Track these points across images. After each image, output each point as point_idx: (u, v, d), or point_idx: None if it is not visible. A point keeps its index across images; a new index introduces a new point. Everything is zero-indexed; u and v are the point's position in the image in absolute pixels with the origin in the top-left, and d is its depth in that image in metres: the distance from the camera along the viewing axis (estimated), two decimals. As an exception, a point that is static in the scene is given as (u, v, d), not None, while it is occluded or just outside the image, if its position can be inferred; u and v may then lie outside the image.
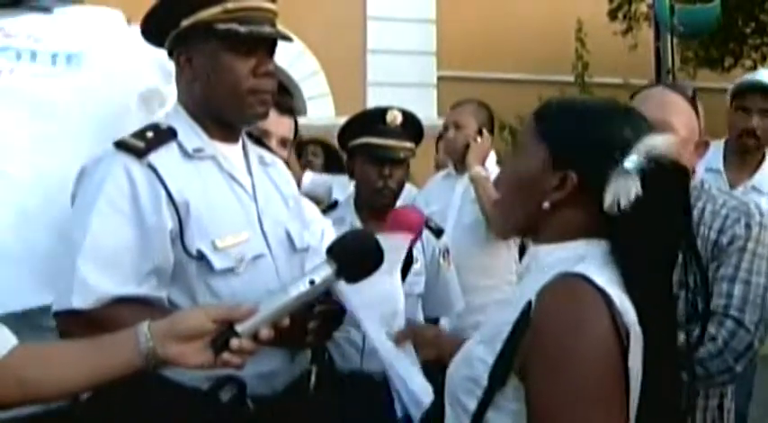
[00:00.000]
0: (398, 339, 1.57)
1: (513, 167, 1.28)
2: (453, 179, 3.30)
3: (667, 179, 1.14)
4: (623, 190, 1.11)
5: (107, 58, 1.94)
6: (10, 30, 1.88)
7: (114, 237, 1.51)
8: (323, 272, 1.31)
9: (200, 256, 1.56)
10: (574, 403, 1.05)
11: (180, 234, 1.55)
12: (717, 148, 3.13)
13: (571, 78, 9.93)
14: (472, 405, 1.15)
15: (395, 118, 2.46)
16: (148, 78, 1.97)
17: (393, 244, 1.61)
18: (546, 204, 1.18)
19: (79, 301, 1.47)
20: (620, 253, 1.15)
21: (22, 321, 1.59)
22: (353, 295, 1.51)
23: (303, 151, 4.43)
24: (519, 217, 1.25)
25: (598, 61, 9.70)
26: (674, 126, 1.85)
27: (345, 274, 1.33)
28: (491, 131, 3.28)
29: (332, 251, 1.34)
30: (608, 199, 1.12)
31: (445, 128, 3.31)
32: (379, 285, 1.55)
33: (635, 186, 1.11)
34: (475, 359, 1.16)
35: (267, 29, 1.65)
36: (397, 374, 1.52)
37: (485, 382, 1.13)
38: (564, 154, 1.18)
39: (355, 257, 1.35)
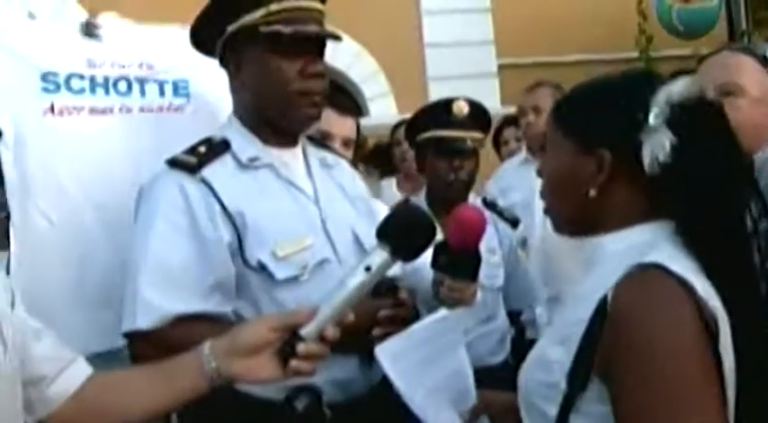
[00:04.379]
0: (473, 415, 1.48)
1: (548, 170, 1.24)
2: (532, 165, 3.20)
3: (698, 118, 1.09)
4: (657, 145, 1.06)
5: (208, 84, 1.96)
6: (124, 59, 1.93)
7: (173, 253, 1.51)
8: (377, 257, 1.25)
9: (261, 267, 1.53)
10: (667, 403, 0.98)
11: (239, 246, 1.53)
12: None
13: (635, 54, 9.63)
14: (552, 411, 1.08)
15: (461, 108, 2.41)
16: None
17: (451, 321, 1.56)
18: (592, 192, 1.13)
19: (144, 321, 1.47)
20: (683, 220, 1.07)
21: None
22: (418, 386, 1.45)
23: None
24: (571, 214, 1.20)
25: (663, 33, 9.36)
26: (744, 87, 1.78)
27: (401, 255, 1.27)
28: None
29: (382, 233, 1.28)
30: (646, 160, 1.07)
31: (523, 113, 3.21)
32: (447, 367, 1.51)
33: (667, 137, 1.06)
34: (550, 362, 1.11)
35: (312, 28, 1.62)
36: None
37: (563, 385, 1.07)
38: (590, 137, 1.14)
39: (407, 235, 1.28)
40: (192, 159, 1.58)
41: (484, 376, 1.64)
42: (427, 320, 1.55)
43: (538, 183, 3.31)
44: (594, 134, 1.14)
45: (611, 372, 1.02)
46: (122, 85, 1.92)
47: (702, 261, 1.05)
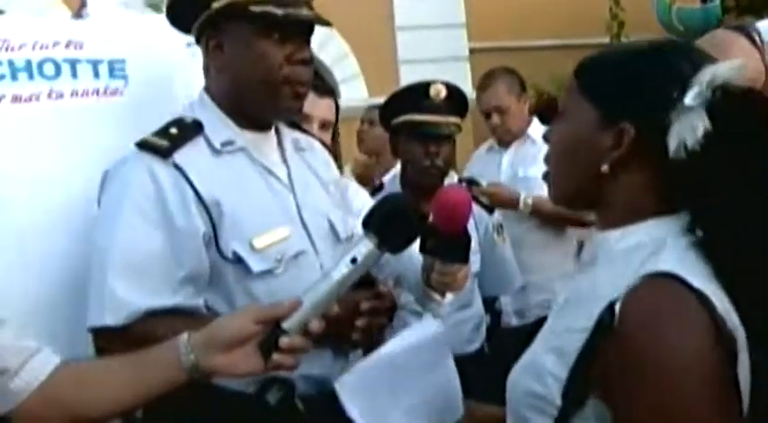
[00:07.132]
0: None
1: (560, 135, 1.10)
2: (497, 153, 3.20)
3: (739, 107, 0.96)
4: (688, 128, 0.95)
5: (151, 66, 1.82)
6: (47, 38, 1.75)
7: (143, 245, 1.43)
8: (363, 248, 1.20)
9: (237, 259, 1.47)
10: None
11: (214, 236, 1.46)
12: None
13: (607, 39, 9.65)
14: None
15: (438, 92, 2.37)
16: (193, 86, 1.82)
17: (433, 338, 1.51)
18: (605, 167, 1.02)
19: (112, 318, 1.40)
20: (701, 216, 0.97)
21: None
22: (387, 415, 1.41)
23: None
24: (576, 185, 1.08)
25: (634, 19, 9.39)
26: None
27: (388, 246, 1.22)
28: (524, 91, 3.21)
29: (368, 224, 1.22)
30: (672, 142, 0.96)
31: (487, 115, 3.19)
32: (429, 385, 1.46)
33: (702, 121, 0.94)
34: (544, 373, 1.00)
35: (305, 12, 1.55)
36: None
37: (557, 400, 0.98)
38: (614, 106, 1.02)
39: (394, 225, 1.22)
40: (164, 142, 1.49)
41: (460, 364, 1.61)
42: (402, 341, 1.49)
43: (503, 171, 3.30)
44: (620, 103, 1.02)
45: (616, 393, 0.93)
46: (49, 68, 1.72)
47: (716, 264, 0.95)
